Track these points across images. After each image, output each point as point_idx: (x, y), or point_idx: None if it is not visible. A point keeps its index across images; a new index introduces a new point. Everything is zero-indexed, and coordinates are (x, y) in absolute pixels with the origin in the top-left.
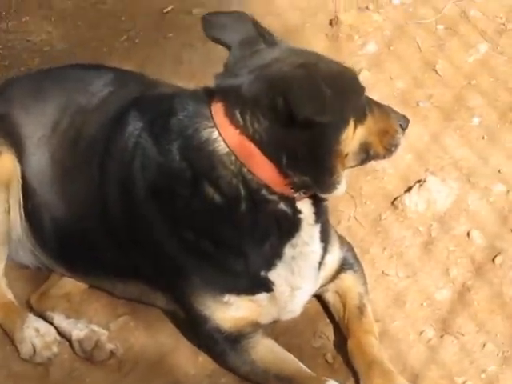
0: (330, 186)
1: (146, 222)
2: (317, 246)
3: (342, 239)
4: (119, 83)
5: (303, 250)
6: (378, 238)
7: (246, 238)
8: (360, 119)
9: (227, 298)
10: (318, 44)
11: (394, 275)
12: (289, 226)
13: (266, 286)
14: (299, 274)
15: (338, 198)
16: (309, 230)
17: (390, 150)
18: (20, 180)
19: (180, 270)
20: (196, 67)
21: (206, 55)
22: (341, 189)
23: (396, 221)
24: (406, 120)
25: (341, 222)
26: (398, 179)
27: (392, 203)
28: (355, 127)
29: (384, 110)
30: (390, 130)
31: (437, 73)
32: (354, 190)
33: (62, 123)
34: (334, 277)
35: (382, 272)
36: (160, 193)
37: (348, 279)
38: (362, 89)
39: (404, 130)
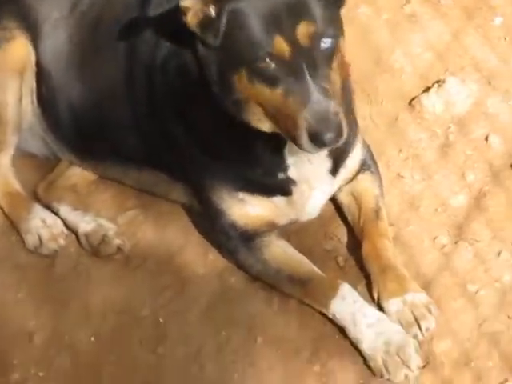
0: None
1: (167, 116)
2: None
3: (363, 140)
4: None
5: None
6: (394, 139)
7: (252, 141)
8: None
9: (241, 195)
10: None
11: (409, 178)
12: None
13: (284, 189)
14: (313, 176)
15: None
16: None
17: (293, 140)
18: (34, 66)
19: (199, 163)
20: None
21: None
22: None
23: (413, 122)
24: (322, 132)
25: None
26: (416, 78)
27: (409, 103)
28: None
29: (299, 99)
30: (292, 118)
31: None
32: (370, 87)
33: (82, 3)
34: (352, 178)
35: (398, 174)
36: (178, 88)
37: (365, 180)
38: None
39: (314, 141)
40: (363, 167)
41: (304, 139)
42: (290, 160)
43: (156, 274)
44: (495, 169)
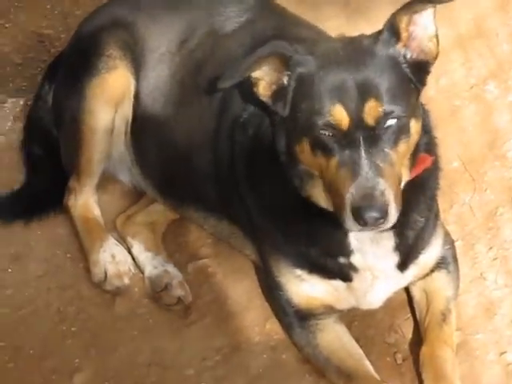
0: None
1: (239, 176)
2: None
3: (447, 235)
4: (259, 12)
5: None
6: (488, 234)
7: (316, 219)
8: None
9: (299, 272)
10: None
11: (492, 281)
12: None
13: (344, 274)
14: (378, 267)
15: (457, 178)
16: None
17: (338, 214)
18: (132, 98)
19: (263, 230)
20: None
21: None
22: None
23: None
24: (365, 209)
25: (453, 207)
26: None
27: None
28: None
29: (349, 173)
30: (338, 191)
31: None
32: (478, 173)
33: (190, 42)
34: (426, 274)
35: (481, 274)
36: (251, 151)
37: (439, 279)
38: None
39: (357, 218)
40: (440, 265)
41: (347, 215)
42: (354, 245)
43: (211, 334)
44: None
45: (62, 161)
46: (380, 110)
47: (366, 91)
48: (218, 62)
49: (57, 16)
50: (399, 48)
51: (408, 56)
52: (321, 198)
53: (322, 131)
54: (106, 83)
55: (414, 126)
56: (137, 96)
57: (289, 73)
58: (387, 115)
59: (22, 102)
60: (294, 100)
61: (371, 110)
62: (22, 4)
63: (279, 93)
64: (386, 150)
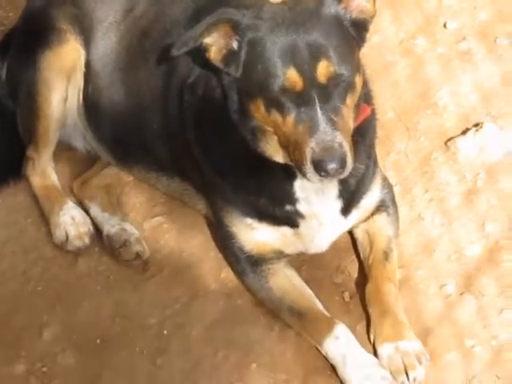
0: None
1: (189, 134)
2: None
3: (385, 180)
4: None
5: (313, 194)
6: (424, 178)
7: (264, 170)
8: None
9: (250, 221)
10: None
11: (429, 220)
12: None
13: (291, 221)
14: (323, 213)
15: (392, 128)
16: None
17: (298, 168)
18: (83, 68)
19: (214, 184)
20: None
21: None
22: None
23: (445, 163)
24: (326, 161)
25: (390, 154)
26: (457, 118)
27: (445, 143)
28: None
29: (307, 129)
30: (299, 147)
31: None
32: (411, 122)
33: (135, 11)
34: (368, 217)
35: (419, 215)
36: (200, 111)
37: (380, 221)
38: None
39: (318, 170)
40: (380, 208)
41: (308, 167)
42: (299, 194)
43: (169, 285)
44: None
45: (19, 132)
46: (332, 69)
47: (316, 52)
48: (162, 28)
49: None
50: (341, 9)
51: (349, 16)
52: (274, 152)
53: (276, 92)
54: (58, 55)
55: (358, 81)
56: (88, 65)
57: (238, 38)
58: (338, 74)
59: None
60: (246, 62)
61: (324, 70)
62: None
63: (230, 56)
64: (338, 104)
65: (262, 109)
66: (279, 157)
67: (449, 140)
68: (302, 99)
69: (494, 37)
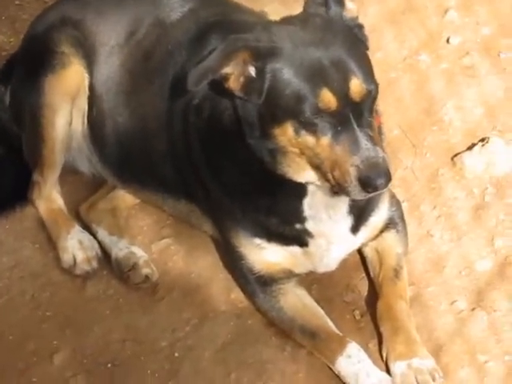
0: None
1: (196, 155)
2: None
3: (393, 197)
4: (201, 1)
5: (323, 212)
6: (431, 194)
7: (273, 190)
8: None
9: (259, 241)
10: None
11: (438, 237)
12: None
13: (300, 240)
14: (332, 231)
15: (398, 145)
16: (319, 197)
17: (340, 187)
18: (87, 91)
19: (222, 205)
20: None
21: None
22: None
23: (452, 179)
24: (374, 177)
25: (397, 171)
26: (463, 133)
27: (452, 159)
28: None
29: (348, 148)
30: (340, 166)
31: None
32: (418, 139)
33: (137, 34)
34: (377, 235)
35: (427, 232)
36: (207, 132)
37: (389, 238)
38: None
39: (366, 187)
40: (389, 225)
41: (354, 185)
42: (308, 212)
43: (179, 307)
44: None
45: (24, 157)
46: (363, 86)
47: (344, 69)
48: (165, 50)
49: (4, 22)
50: (347, 16)
51: (351, 20)
52: (295, 173)
53: (310, 114)
54: (61, 79)
55: (376, 90)
56: (91, 88)
57: (256, 64)
58: (369, 91)
59: None
60: (270, 89)
61: (356, 89)
62: None
63: (249, 84)
64: (369, 119)
65: (290, 132)
66: (301, 177)
67: (455, 156)
68: (337, 119)
69: (498, 51)
